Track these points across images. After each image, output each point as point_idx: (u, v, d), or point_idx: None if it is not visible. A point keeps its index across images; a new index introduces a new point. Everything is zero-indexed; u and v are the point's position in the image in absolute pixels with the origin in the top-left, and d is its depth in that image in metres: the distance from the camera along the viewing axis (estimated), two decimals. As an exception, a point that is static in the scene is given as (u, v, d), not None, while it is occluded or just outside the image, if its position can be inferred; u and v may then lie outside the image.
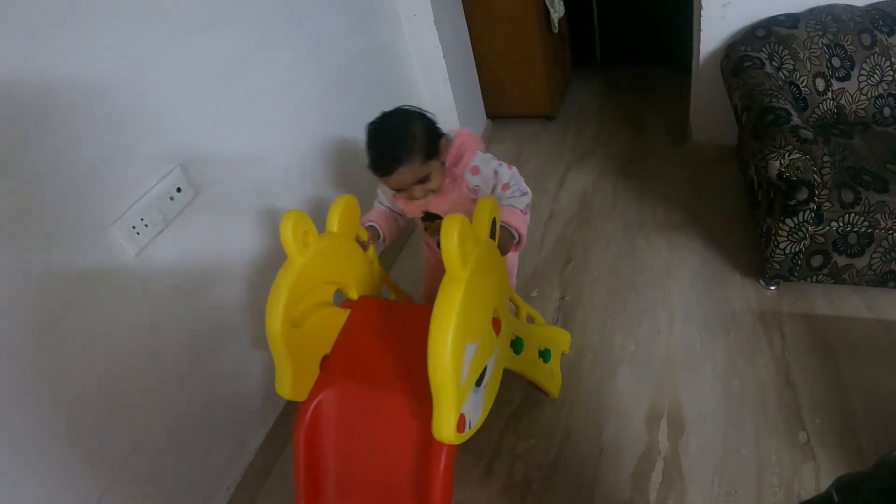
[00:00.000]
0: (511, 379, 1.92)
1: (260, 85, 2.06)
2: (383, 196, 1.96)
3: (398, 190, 1.68)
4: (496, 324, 1.55)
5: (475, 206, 1.47)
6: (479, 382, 1.44)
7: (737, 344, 2.32)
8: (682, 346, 2.34)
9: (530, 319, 2.06)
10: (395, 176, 1.60)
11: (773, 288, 2.50)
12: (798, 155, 2.03)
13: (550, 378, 2.10)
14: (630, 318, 2.48)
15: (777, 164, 2.04)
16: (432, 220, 1.87)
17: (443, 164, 1.70)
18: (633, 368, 2.27)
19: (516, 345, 1.78)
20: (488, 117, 3.65)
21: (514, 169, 1.79)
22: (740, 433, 2.00)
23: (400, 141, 1.59)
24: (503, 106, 3.74)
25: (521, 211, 1.72)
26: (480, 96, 3.51)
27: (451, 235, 1.25)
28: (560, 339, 2.23)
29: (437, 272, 1.85)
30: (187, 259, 1.77)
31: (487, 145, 3.53)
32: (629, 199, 3.14)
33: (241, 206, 2.01)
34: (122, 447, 1.61)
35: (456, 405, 1.30)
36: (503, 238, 1.61)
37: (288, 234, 1.47)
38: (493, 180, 1.75)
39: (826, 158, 2.05)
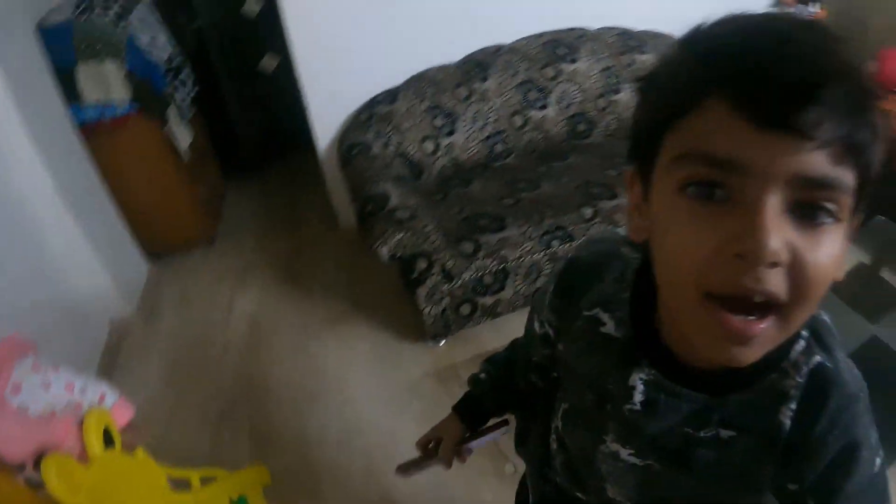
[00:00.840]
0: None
1: None
2: None
3: None
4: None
5: (29, 428, 1.46)
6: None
7: (422, 410, 2.46)
8: (375, 432, 2.42)
9: (210, 479, 2.03)
10: None
11: (442, 344, 2.68)
12: (401, 234, 2.22)
13: (258, 518, 2.09)
14: (321, 424, 2.51)
15: (385, 249, 2.22)
16: None
17: None
18: (338, 471, 2.31)
19: (196, 514, 1.77)
20: (150, 260, 3.51)
21: (65, 371, 1.61)
22: (451, 489, 2.12)
23: None
24: (160, 244, 3.63)
25: (117, 403, 1.64)
26: (133, 244, 3.37)
27: (50, 480, 1.30)
28: (255, 477, 2.19)
29: None
30: None
31: (154, 290, 3.38)
32: (295, 306, 3.17)
33: None
34: None
35: None
36: (127, 437, 1.56)
37: None
38: (47, 393, 1.54)
39: (428, 227, 2.26)
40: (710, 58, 0.50)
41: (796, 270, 0.49)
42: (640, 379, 0.69)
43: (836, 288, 2.47)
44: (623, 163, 2.98)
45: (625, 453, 0.75)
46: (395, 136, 2.89)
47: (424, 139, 2.96)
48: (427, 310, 2.45)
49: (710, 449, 0.68)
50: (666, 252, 0.54)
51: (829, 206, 0.48)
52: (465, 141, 3.04)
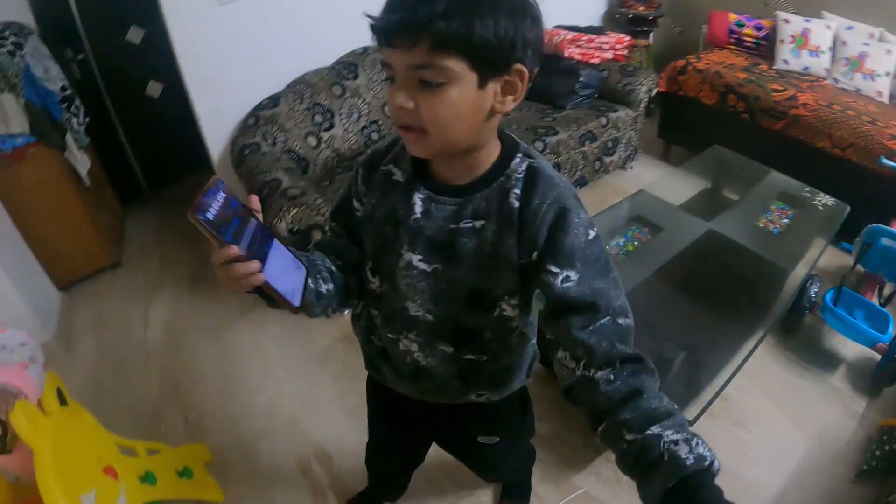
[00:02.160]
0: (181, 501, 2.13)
1: None
2: None
3: None
4: (110, 471, 1.75)
5: None
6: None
7: (337, 370, 2.76)
8: (298, 399, 2.68)
9: (154, 451, 2.22)
10: None
11: (346, 312, 2.93)
12: (295, 209, 2.49)
13: (205, 488, 2.27)
14: (246, 402, 2.71)
15: (283, 224, 2.49)
16: None
17: None
18: (271, 440, 2.53)
19: (148, 478, 1.97)
20: (61, 289, 3.64)
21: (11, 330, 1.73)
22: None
23: None
24: (71, 272, 3.73)
25: (21, 364, 1.66)
26: (44, 275, 3.49)
27: (20, 424, 1.44)
28: (197, 454, 2.39)
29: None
30: None
31: (69, 316, 3.50)
32: (207, 307, 3.37)
33: None
34: None
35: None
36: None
37: None
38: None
39: (319, 201, 2.54)
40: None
41: (418, 112, 0.89)
42: (419, 197, 1.06)
43: (685, 205, 2.93)
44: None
45: (416, 259, 1.08)
46: (280, 134, 3.16)
47: (307, 135, 3.24)
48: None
49: (469, 238, 1.03)
50: None
51: (430, 78, 0.86)
52: (344, 133, 3.35)
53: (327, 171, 3.25)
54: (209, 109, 3.34)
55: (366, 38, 3.25)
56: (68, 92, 3.61)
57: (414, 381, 1.29)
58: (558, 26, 4.08)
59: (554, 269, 0.97)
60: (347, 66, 3.46)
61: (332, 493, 2.28)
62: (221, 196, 0.81)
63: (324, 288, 1.08)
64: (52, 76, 3.50)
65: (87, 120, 3.78)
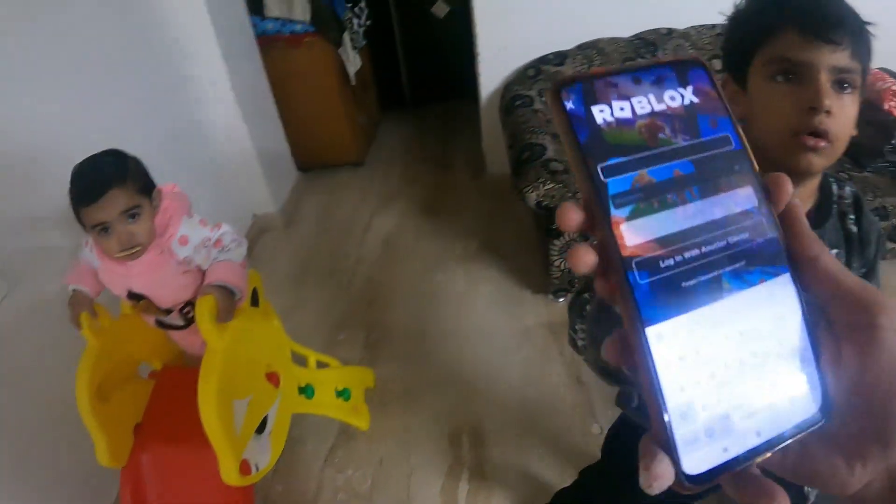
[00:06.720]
0: (326, 418, 2.07)
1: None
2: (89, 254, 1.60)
3: (101, 226, 1.38)
4: (273, 377, 1.66)
5: (188, 279, 1.54)
6: (260, 430, 1.55)
7: (530, 357, 2.49)
8: (480, 367, 2.48)
9: (323, 365, 2.14)
10: (107, 199, 1.35)
11: (561, 300, 2.68)
12: (551, 185, 2.24)
13: (356, 413, 2.18)
14: (432, 347, 2.59)
15: (534, 195, 2.26)
16: (138, 301, 1.58)
17: (153, 215, 1.48)
18: (436, 393, 2.38)
19: (307, 391, 1.89)
20: (300, 170, 3.72)
21: (226, 225, 1.60)
22: (537, 435, 2.14)
23: (115, 164, 1.40)
24: (313, 157, 3.82)
25: (240, 264, 1.58)
26: (289, 152, 3.57)
27: (204, 316, 1.38)
28: (362, 377, 2.32)
29: (189, 350, 1.85)
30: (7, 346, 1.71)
31: (299, 197, 3.60)
32: (430, 237, 3.27)
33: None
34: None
35: (232, 453, 1.41)
36: (225, 300, 1.47)
37: (84, 321, 1.50)
38: (206, 248, 1.55)
39: (579, 185, 2.28)
40: (782, 4, 0.84)
41: (834, 117, 0.80)
42: None
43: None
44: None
45: None
46: (557, 96, 2.91)
47: (586, 104, 2.96)
48: (557, 263, 2.47)
49: None
50: (767, 114, 0.85)
51: (848, 82, 0.81)
52: (624, 114, 3.03)
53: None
54: (492, 47, 3.21)
55: (672, 20, 2.85)
56: (354, -7, 3.66)
57: None
58: (883, 69, 3.40)
59: None
60: (647, 44, 3.10)
61: (468, 472, 2.08)
62: (706, 85, 0.31)
63: None
64: (343, -26, 3.55)
65: (368, 23, 3.85)
